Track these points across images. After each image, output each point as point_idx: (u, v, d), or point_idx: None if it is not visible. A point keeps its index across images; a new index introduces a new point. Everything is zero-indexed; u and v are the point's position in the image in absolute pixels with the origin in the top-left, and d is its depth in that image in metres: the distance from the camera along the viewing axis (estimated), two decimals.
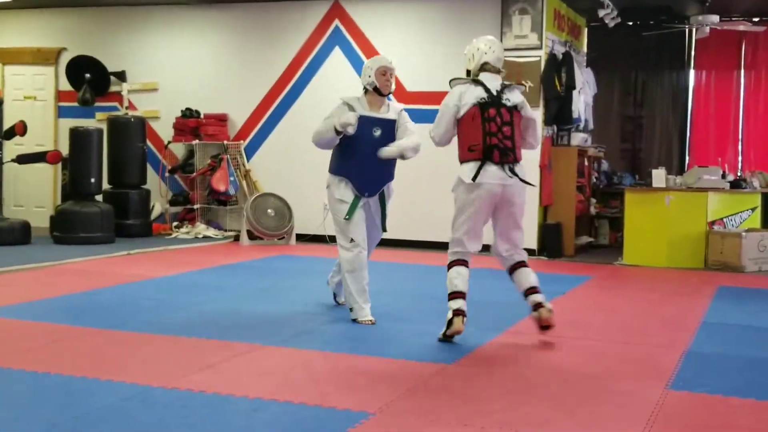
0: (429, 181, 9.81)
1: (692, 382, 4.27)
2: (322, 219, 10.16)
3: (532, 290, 5.15)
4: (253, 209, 9.86)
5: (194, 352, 4.70)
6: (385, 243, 9.80)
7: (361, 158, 5.63)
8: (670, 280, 8.10)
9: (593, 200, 10.33)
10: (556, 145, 9.70)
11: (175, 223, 10.64)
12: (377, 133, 5.66)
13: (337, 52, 10.24)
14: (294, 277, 7.80)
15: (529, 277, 5.20)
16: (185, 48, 10.96)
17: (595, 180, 10.56)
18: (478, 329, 5.40)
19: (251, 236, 9.94)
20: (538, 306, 5.10)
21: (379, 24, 10.09)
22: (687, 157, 11.14)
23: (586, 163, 10.11)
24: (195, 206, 10.64)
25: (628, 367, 4.60)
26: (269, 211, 9.98)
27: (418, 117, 9.83)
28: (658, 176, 9.09)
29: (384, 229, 6.06)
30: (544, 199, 9.40)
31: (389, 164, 5.83)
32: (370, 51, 10.05)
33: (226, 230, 10.63)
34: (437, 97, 9.80)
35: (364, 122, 5.56)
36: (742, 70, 10.79)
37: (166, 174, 10.86)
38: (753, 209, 9.21)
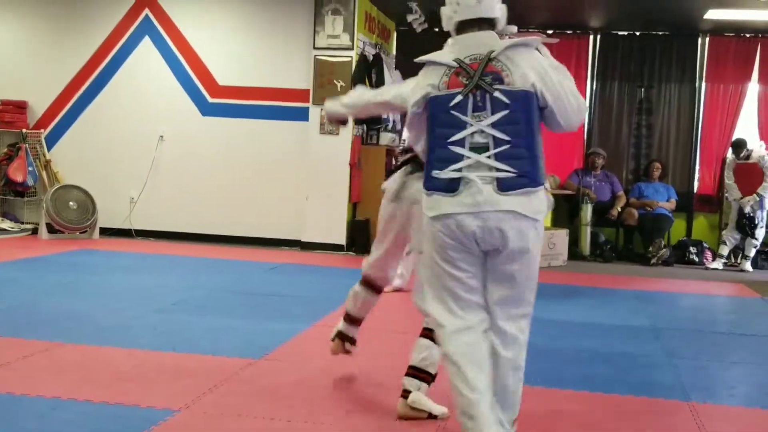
0: (242, 179, 9.71)
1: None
2: (128, 212, 9.87)
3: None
4: (54, 201, 9.34)
5: None
6: (198, 238, 9.69)
7: None
8: None
9: None
10: (365, 144, 9.88)
11: None
12: None
13: (146, 42, 9.88)
14: (97, 272, 7.46)
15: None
16: None
17: None
18: (287, 323, 5.41)
19: (51, 229, 9.41)
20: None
21: (191, 16, 9.84)
22: None
23: (394, 162, 10.35)
24: None
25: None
26: (71, 203, 9.47)
27: (229, 111, 9.80)
28: None
29: None
30: (353, 196, 9.55)
31: None
32: (182, 43, 9.81)
33: (23, 223, 9.99)
34: (248, 92, 9.82)
35: None
36: None
37: None
38: None
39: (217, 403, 3.69)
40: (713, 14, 9.61)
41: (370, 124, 9.83)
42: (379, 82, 9.57)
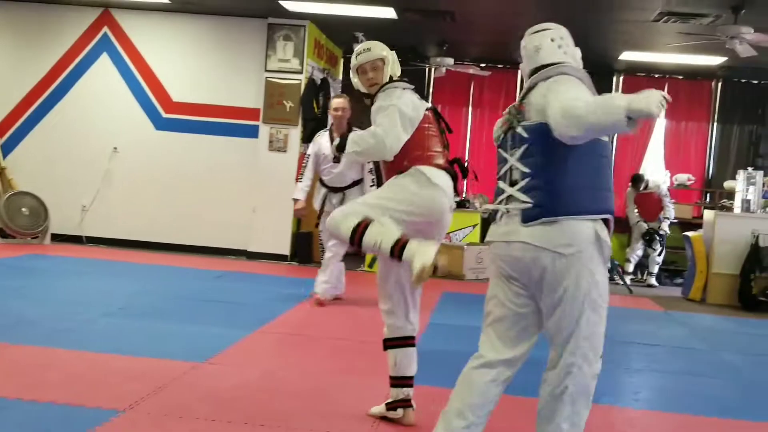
0: (193, 190, 9.55)
1: (418, 376, 4.44)
2: (79, 220, 9.60)
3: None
4: (7, 207, 9.03)
5: None
6: (148, 246, 9.47)
7: None
8: None
9: None
10: None
11: None
12: None
13: (104, 59, 9.65)
14: (47, 276, 7.20)
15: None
16: None
17: None
18: (231, 328, 5.31)
19: (3, 234, 9.08)
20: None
21: (149, 36, 9.65)
22: None
23: None
24: None
25: (364, 362, 4.70)
26: (24, 209, 9.16)
27: (182, 126, 9.63)
28: None
29: None
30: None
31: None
32: (139, 60, 9.63)
33: None
34: (201, 108, 9.67)
35: None
36: (470, 107, 11.56)
37: None
38: (474, 226, 9.85)
39: (161, 405, 3.58)
40: (627, 56, 9.88)
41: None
42: (326, 105, 9.54)
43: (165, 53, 9.64)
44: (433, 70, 10.62)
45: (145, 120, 9.65)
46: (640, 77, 10.96)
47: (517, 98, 2.93)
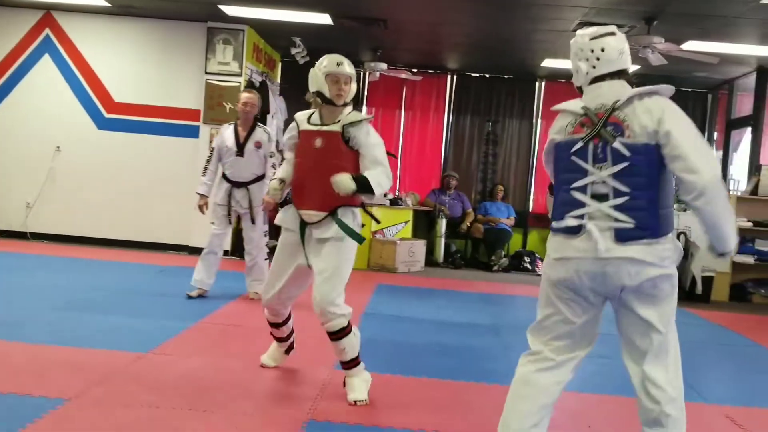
0: (135, 188, 9.40)
1: None
2: (24, 217, 9.36)
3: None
4: None
5: None
6: (92, 242, 9.28)
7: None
8: None
9: None
10: None
11: None
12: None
13: (46, 60, 9.43)
14: None
15: None
16: None
17: None
18: (174, 320, 5.28)
19: None
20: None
21: (90, 37, 9.46)
22: None
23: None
24: None
25: (303, 353, 4.71)
26: None
27: (124, 126, 9.48)
28: None
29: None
30: None
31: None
32: (80, 62, 9.43)
33: None
34: (142, 109, 9.53)
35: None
36: (403, 110, 11.68)
37: None
38: (406, 222, 9.97)
39: (106, 393, 3.56)
40: (548, 63, 10.11)
41: None
42: (265, 108, 9.51)
43: (107, 55, 9.48)
44: (367, 74, 10.68)
45: (87, 120, 9.47)
46: (561, 83, 11.25)
47: (601, 109, 2.69)
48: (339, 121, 3.74)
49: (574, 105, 2.80)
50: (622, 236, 2.59)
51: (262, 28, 9.47)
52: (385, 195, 9.95)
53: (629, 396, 4.25)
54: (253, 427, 3.28)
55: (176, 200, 9.33)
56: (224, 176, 6.25)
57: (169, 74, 9.47)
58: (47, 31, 9.45)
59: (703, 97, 11.42)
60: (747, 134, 10.29)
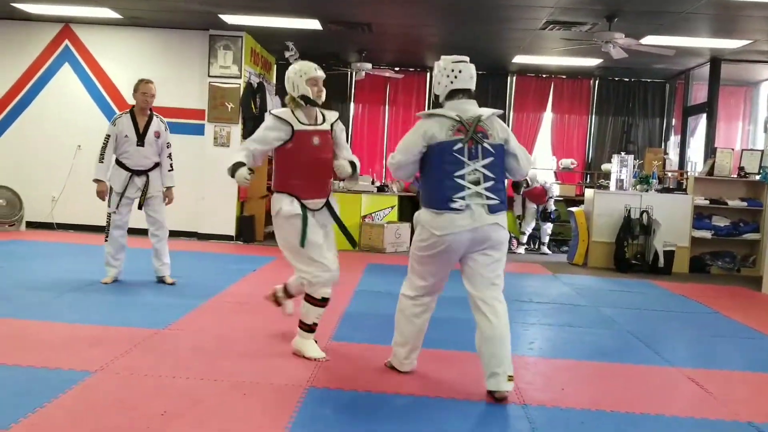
0: None
1: (348, 335, 4.54)
2: (50, 209, 9.34)
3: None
4: None
5: None
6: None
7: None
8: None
9: None
10: None
11: None
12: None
13: (66, 68, 9.42)
14: (24, 258, 7.02)
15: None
16: None
17: None
18: (187, 299, 5.30)
19: None
20: None
21: (105, 46, 9.42)
22: None
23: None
24: None
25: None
26: (1, 201, 8.93)
27: None
28: None
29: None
30: (241, 197, 9.43)
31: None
32: (97, 68, 9.41)
33: None
34: (153, 110, 9.41)
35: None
36: (387, 106, 11.67)
37: None
38: (392, 207, 9.99)
39: (127, 365, 3.59)
40: (519, 59, 10.12)
41: None
42: (263, 106, 9.49)
43: (120, 62, 9.44)
44: (354, 73, 10.66)
45: (104, 120, 9.37)
46: (530, 77, 11.27)
47: (471, 120, 3.40)
48: (326, 120, 4.01)
49: (448, 113, 3.40)
50: (492, 209, 3.33)
51: (258, 34, 9.42)
52: (373, 182, 9.96)
53: (598, 361, 4.34)
54: (260, 393, 3.31)
55: (186, 192, 9.28)
56: (120, 164, 5.82)
57: (176, 78, 9.43)
58: (66, 42, 9.41)
59: (662, 87, 11.47)
60: (702, 120, 10.33)
